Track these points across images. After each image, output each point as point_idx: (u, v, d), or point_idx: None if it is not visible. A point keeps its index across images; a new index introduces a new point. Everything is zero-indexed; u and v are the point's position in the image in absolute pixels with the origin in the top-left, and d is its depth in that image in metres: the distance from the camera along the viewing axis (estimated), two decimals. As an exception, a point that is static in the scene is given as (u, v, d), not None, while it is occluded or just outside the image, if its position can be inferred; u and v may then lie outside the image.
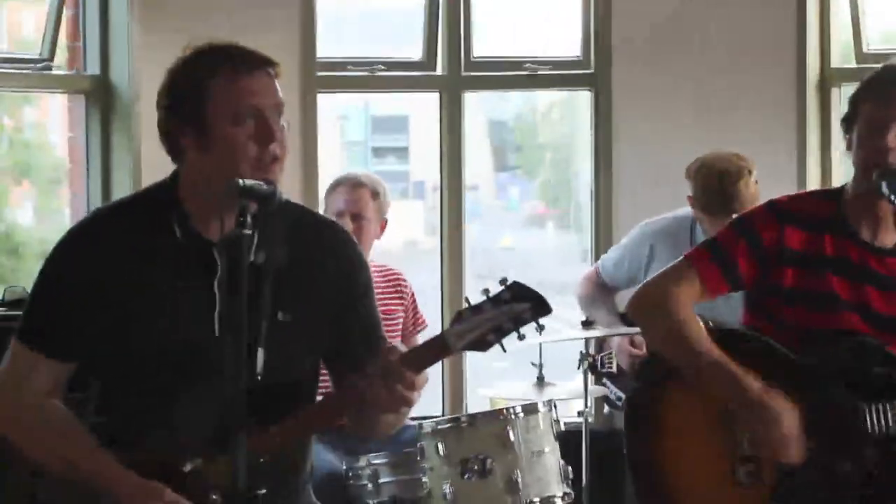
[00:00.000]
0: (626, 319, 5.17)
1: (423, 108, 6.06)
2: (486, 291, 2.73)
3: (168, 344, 2.83)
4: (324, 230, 3.04)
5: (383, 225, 5.05)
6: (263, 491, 2.72)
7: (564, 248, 7.57)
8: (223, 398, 2.63)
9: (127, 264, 2.85)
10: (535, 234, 9.48)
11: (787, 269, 3.36)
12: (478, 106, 7.58)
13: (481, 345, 2.74)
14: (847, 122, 3.41)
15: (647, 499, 3.48)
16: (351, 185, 5.01)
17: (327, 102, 6.03)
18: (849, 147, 3.41)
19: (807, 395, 3.28)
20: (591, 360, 4.92)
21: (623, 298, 5.21)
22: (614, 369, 5.20)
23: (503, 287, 2.72)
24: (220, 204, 2.80)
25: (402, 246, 8.65)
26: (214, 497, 2.76)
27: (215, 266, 2.84)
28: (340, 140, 9.02)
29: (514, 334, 2.74)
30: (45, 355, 2.88)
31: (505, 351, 2.77)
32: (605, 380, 5.21)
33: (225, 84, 2.80)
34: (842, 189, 3.48)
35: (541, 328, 2.76)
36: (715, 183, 4.83)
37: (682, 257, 3.48)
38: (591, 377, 4.99)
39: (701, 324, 3.40)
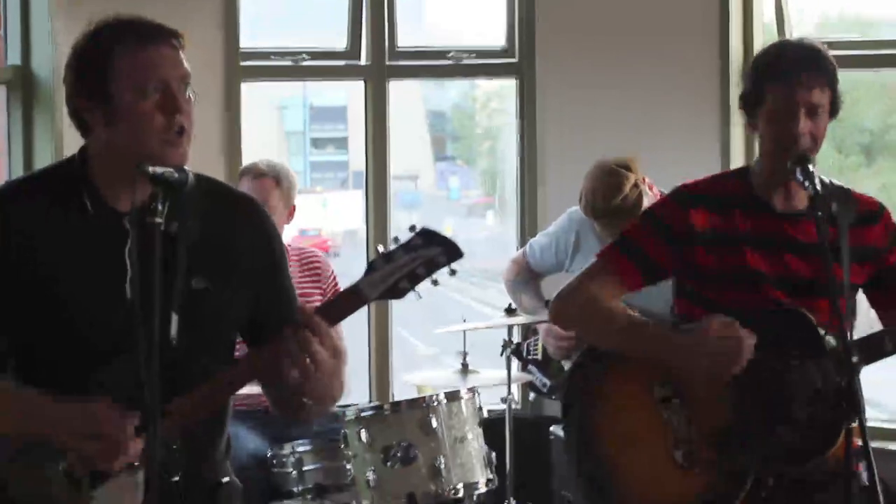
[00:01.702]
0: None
1: (361, 97, 6.04)
2: (396, 239, 2.70)
3: (81, 315, 2.81)
4: (238, 203, 3.02)
5: (291, 211, 5.08)
6: (177, 478, 2.71)
7: (502, 236, 7.60)
8: (138, 368, 2.58)
9: (37, 237, 2.83)
10: (475, 223, 9.50)
11: (700, 249, 3.40)
12: (415, 95, 7.57)
13: (396, 292, 2.70)
14: (748, 102, 3.40)
15: (592, 483, 3.50)
16: (253, 176, 5.02)
17: (266, 92, 5.99)
18: (754, 129, 3.42)
19: None
20: (513, 346, 4.94)
21: (549, 284, 5.24)
22: (540, 356, 5.22)
23: (413, 233, 2.69)
24: (130, 176, 2.74)
25: (342, 235, 8.65)
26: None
27: (126, 236, 2.81)
28: (280, 130, 9.00)
29: (428, 280, 2.70)
30: None
31: (420, 297, 2.74)
32: (530, 366, 5.23)
33: (129, 56, 2.77)
34: (748, 168, 3.52)
35: (453, 272, 2.72)
36: (598, 213, 4.85)
37: (595, 257, 3.56)
38: (515, 364, 5.01)
39: (627, 310, 3.47)
